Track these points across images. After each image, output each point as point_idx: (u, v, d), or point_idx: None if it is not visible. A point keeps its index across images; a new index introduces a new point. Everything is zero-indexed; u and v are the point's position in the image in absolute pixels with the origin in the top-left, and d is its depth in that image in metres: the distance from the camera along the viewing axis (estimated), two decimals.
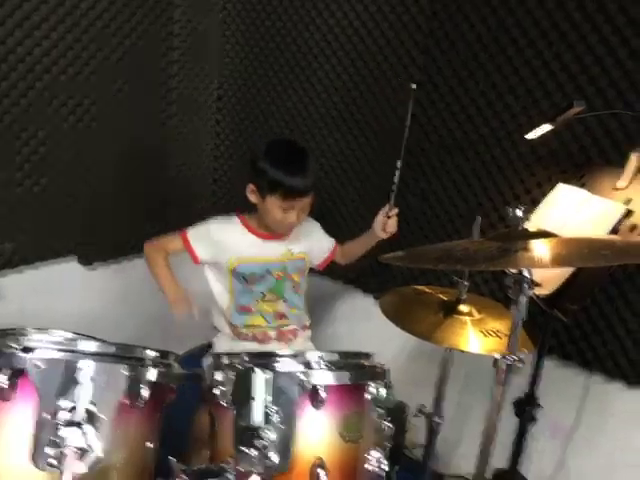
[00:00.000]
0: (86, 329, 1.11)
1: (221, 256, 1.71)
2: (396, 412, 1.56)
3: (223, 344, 1.80)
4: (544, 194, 1.66)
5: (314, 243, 1.85)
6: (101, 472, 0.98)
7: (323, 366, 1.09)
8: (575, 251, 1.12)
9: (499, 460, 1.59)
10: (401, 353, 2.20)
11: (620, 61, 1.60)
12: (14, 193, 1.91)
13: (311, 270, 1.92)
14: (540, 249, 1.08)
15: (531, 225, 1.25)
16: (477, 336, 1.41)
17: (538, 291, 1.39)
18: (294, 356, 1.13)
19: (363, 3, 2.05)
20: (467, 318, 1.47)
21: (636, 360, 1.70)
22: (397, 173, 1.67)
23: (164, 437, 1.18)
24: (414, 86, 1.65)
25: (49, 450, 0.94)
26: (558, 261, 1.10)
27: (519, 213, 1.16)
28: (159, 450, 1.14)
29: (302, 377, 1.07)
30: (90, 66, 1.98)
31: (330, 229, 1.96)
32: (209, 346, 1.88)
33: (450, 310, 1.49)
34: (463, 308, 1.49)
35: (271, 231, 1.73)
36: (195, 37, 2.29)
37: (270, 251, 1.74)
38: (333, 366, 1.11)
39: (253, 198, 1.68)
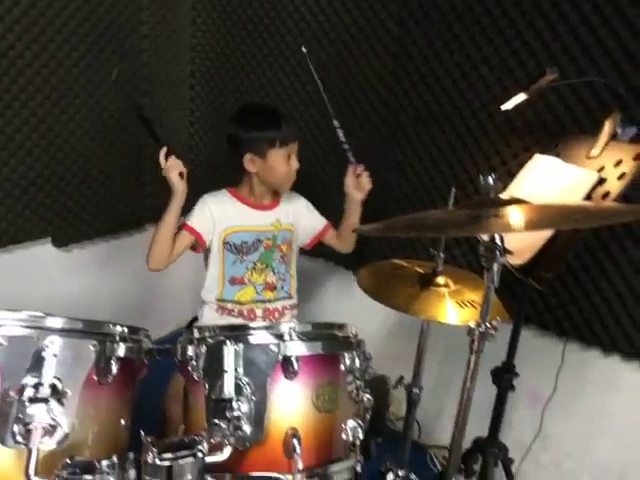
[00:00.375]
0: (61, 313, 1.09)
1: (217, 229, 1.74)
2: (377, 384, 1.56)
3: (208, 318, 1.80)
4: (520, 165, 1.65)
5: (302, 219, 1.86)
6: (71, 448, 0.97)
7: (295, 337, 1.08)
8: (546, 217, 1.11)
9: (479, 429, 1.61)
10: (382, 328, 2.21)
11: (593, 29, 1.59)
12: None
13: (300, 250, 1.92)
14: (511, 215, 1.08)
15: (506, 194, 1.24)
16: (454, 307, 1.42)
17: (512, 260, 1.39)
18: (266, 328, 1.13)
19: None
20: (444, 290, 1.47)
21: (612, 328, 1.72)
22: (339, 132, 1.76)
23: (139, 413, 1.17)
24: (304, 50, 1.76)
25: (16, 427, 0.93)
26: (529, 226, 1.10)
27: (491, 181, 1.16)
28: (132, 426, 1.13)
29: (274, 348, 1.07)
30: (56, 42, 1.92)
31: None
32: (192, 322, 1.87)
33: (427, 282, 1.49)
34: (439, 280, 1.49)
35: (261, 201, 1.78)
36: (165, 10, 2.23)
37: (260, 220, 1.77)
38: (305, 337, 1.10)
39: (253, 167, 1.70)
